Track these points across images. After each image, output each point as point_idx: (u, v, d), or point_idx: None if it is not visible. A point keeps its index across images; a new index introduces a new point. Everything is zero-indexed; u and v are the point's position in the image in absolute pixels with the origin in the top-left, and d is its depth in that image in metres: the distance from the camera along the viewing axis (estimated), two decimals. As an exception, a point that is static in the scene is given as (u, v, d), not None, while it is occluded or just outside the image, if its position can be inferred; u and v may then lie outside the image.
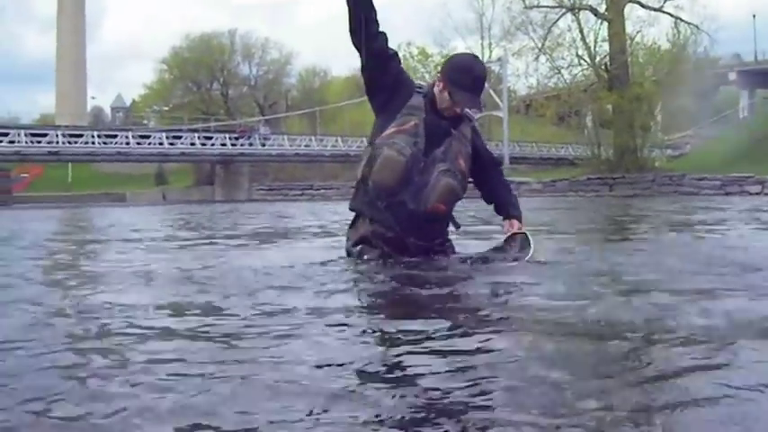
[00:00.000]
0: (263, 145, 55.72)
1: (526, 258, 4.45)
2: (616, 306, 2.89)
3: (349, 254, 4.57)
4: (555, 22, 47.15)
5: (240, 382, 1.85)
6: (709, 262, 4.39)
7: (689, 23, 45.45)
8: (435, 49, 61.06)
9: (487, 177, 4.87)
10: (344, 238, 4.71)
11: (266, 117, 68.66)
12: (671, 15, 45.75)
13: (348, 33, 4.24)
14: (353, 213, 4.60)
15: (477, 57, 4.89)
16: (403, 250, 4.38)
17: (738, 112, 65.04)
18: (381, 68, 4.35)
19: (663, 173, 41.69)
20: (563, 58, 47.39)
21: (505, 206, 4.84)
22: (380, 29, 4.30)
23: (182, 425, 1.56)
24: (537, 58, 48.20)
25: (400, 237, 4.37)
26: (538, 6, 47.30)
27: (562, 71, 47.44)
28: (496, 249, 4.68)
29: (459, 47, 60.02)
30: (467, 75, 4.42)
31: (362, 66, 4.36)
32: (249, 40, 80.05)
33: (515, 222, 4.72)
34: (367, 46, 4.24)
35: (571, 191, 40.76)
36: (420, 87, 4.53)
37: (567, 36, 47.19)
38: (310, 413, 1.62)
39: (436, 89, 4.43)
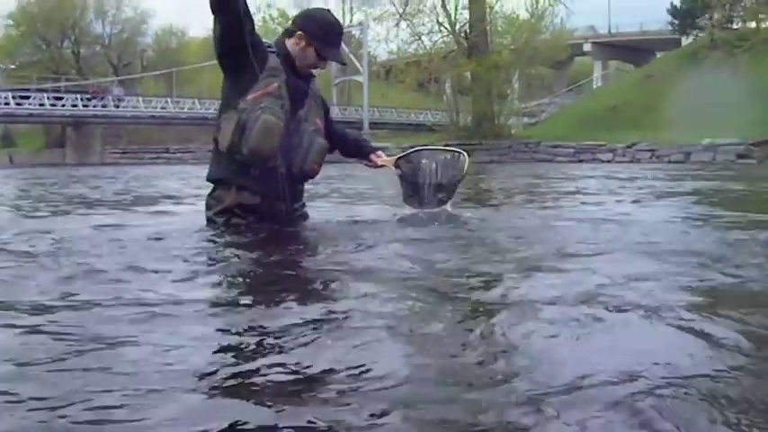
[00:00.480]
0: (117, 106, 53.61)
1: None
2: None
3: (211, 221, 4.28)
4: (416, -12, 47.22)
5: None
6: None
7: (547, -7, 46.31)
8: (295, 11, 60.35)
9: (335, 133, 4.80)
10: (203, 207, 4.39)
11: (120, 77, 66.23)
12: (530, -16, 46.46)
13: None
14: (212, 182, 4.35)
15: (330, 10, 4.71)
16: (269, 218, 4.22)
17: (592, 82, 66.90)
18: (240, 29, 3.92)
19: (519, 140, 42.47)
20: (423, 25, 47.73)
21: (357, 142, 5.08)
22: None
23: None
24: (398, 24, 48.42)
25: (269, 203, 4.21)
26: (400, -29, 47.27)
27: (422, 38, 47.81)
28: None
29: (321, 10, 59.14)
30: (332, 30, 4.38)
31: (219, 26, 3.97)
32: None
33: (380, 153, 4.90)
34: (223, 5, 3.85)
35: (429, 157, 40.98)
36: (269, 46, 4.27)
37: (428, 2, 47.47)
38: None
39: (295, 47, 4.28)
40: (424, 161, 4.81)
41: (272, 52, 4.21)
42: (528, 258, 3.16)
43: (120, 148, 56.88)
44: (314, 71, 4.49)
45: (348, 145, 4.97)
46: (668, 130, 35.72)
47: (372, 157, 4.85)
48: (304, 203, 4.65)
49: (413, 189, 4.81)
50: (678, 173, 17.17)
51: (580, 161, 35.03)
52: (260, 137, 4.03)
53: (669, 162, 32.25)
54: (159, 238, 3.99)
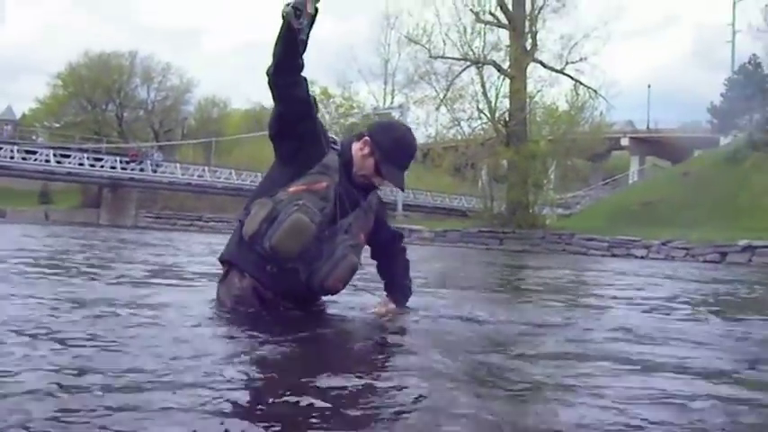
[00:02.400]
0: (155, 171, 54.40)
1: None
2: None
3: (221, 303, 4.07)
4: (458, 75, 47.75)
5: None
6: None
7: (588, 87, 46.66)
8: (337, 90, 61.27)
9: (385, 251, 4.50)
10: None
11: (160, 143, 67.29)
12: (571, 78, 46.86)
13: (271, 71, 3.62)
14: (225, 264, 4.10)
15: (411, 131, 4.28)
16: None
17: (629, 177, 66.78)
18: (299, 115, 3.76)
19: (553, 231, 42.22)
20: (463, 111, 47.94)
21: (395, 288, 4.48)
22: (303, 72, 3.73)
23: None
24: (438, 108, 48.70)
25: (279, 302, 3.96)
26: (443, 57, 47.81)
27: (462, 123, 48.00)
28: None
29: (362, 90, 60.03)
30: (403, 152, 4.04)
31: (281, 110, 3.76)
32: (150, 64, 78.47)
33: (391, 305, 4.34)
34: (290, 90, 3.66)
35: (461, 242, 40.83)
36: (335, 143, 4.05)
37: (470, 89, 47.83)
38: None
39: (358, 152, 3.99)
40: None
41: (333, 149, 3.99)
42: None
43: (154, 213, 57.28)
44: (374, 183, 4.12)
45: (384, 275, 4.53)
46: (704, 229, 35.44)
47: (379, 304, 4.37)
48: (323, 303, 4.36)
49: None
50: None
51: (613, 255, 34.70)
52: (286, 235, 3.74)
53: (704, 261, 31.80)
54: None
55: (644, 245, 36.12)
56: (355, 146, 4.02)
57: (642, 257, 33.95)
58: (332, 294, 4.11)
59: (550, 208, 49.10)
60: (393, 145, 3.97)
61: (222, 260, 4.09)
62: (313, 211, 3.78)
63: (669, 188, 48.22)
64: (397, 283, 4.49)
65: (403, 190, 4.15)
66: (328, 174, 3.88)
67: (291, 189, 3.80)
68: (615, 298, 7.61)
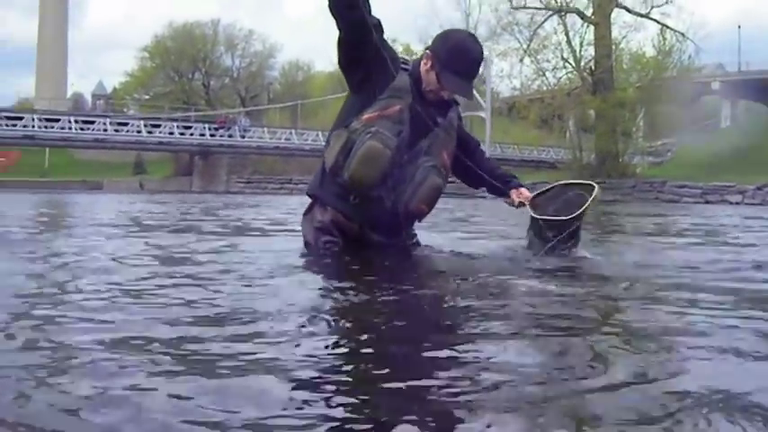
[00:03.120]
0: (243, 137, 55.03)
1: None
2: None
3: (308, 245, 4.08)
4: (541, 24, 47.35)
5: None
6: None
7: (675, 31, 45.75)
8: (420, 47, 60.98)
9: (473, 162, 4.26)
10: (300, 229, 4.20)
11: (247, 109, 68.08)
12: (657, 22, 45.95)
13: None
14: (310, 197, 4.13)
15: (474, 36, 4.15)
16: (365, 244, 3.97)
17: (720, 122, 65.12)
18: (363, 39, 3.64)
19: (644, 179, 41.65)
20: (548, 61, 47.56)
21: (503, 177, 4.34)
22: None
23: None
24: (522, 60, 48.35)
25: (367, 234, 3.96)
26: (524, 8, 47.42)
27: (546, 74, 47.60)
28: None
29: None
30: (462, 58, 3.87)
31: (342, 30, 3.66)
32: (233, 31, 79.33)
33: (523, 190, 4.27)
34: (346, 12, 3.56)
35: (552, 194, 40.46)
36: (406, 63, 3.94)
37: (553, 39, 47.45)
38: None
39: (423, 67, 3.88)
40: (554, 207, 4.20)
41: (404, 69, 3.87)
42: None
43: (244, 178, 58.02)
44: (444, 97, 3.98)
45: (480, 181, 4.32)
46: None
47: (513, 193, 4.25)
48: (415, 235, 4.31)
49: (541, 233, 4.13)
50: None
51: (707, 202, 34.07)
52: (361, 164, 3.70)
53: (802, 205, 31.03)
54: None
55: (738, 190, 35.43)
56: (422, 63, 3.90)
57: (737, 203, 33.26)
58: (418, 219, 4.09)
59: (640, 156, 48.35)
60: (451, 53, 3.84)
61: (309, 193, 4.11)
62: (387, 137, 3.71)
63: (763, 133, 46.97)
64: (501, 173, 4.39)
65: (470, 98, 4.09)
66: (401, 96, 3.78)
67: (365, 117, 3.74)
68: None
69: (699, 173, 40.11)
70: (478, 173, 4.25)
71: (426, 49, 4.01)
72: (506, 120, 56.27)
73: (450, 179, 4.13)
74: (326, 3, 3.59)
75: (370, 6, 3.61)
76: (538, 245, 4.12)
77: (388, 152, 3.71)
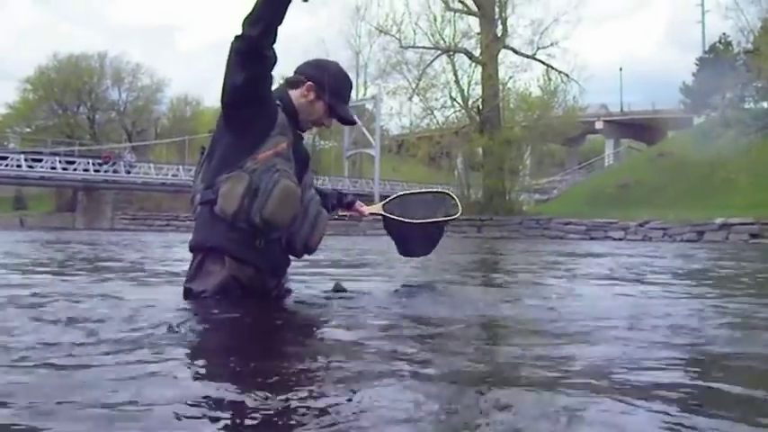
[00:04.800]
0: (129, 172, 53.86)
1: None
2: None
3: (192, 294, 3.62)
4: (430, 64, 47.94)
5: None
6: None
7: (560, 72, 46.92)
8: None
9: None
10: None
11: (133, 144, 66.70)
12: (543, 63, 47.12)
13: (255, 33, 3.30)
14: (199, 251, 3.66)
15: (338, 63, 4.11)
16: (259, 294, 3.69)
17: (604, 160, 66.98)
18: (266, 81, 3.51)
19: (530, 216, 42.28)
20: (436, 99, 48.15)
21: (337, 194, 4.58)
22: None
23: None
24: (411, 98, 48.81)
25: (262, 279, 3.70)
26: (414, 47, 47.97)
27: (435, 112, 48.17)
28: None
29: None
30: (346, 85, 3.94)
31: (246, 74, 3.37)
32: (120, 65, 77.56)
33: (360, 204, 4.54)
34: (270, 53, 3.40)
35: (440, 231, 40.53)
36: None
37: (442, 78, 48.15)
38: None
39: (302, 99, 3.78)
40: (412, 202, 4.60)
41: (277, 106, 3.71)
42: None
43: (130, 214, 56.83)
44: (326, 125, 4.05)
45: (327, 199, 4.34)
46: (680, 209, 35.59)
47: (357, 206, 4.49)
48: (287, 278, 4.13)
49: (403, 234, 4.53)
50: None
51: (591, 239, 34.74)
52: (279, 204, 3.51)
53: (682, 241, 31.90)
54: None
55: (621, 227, 36.24)
56: (295, 94, 3.79)
57: (620, 239, 34.02)
58: (310, 253, 3.96)
59: (527, 194, 49.29)
60: (336, 82, 3.83)
61: (197, 248, 3.68)
62: (291, 174, 3.59)
63: (645, 170, 48.44)
64: (336, 193, 4.60)
65: (355, 123, 4.21)
66: (285, 134, 3.64)
67: (261, 156, 3.53)
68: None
69: (583, 209, 40.99)
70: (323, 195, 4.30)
71: (299, 81, 3.82)
72: (396, 157, 56.65)
73: None
74: (244, 43, 3.34)
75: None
76: (409, 247, 4.65)
77: (298, 190, 3.63)
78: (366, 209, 4.47)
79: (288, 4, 3.29)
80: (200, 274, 3.62)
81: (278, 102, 3.71)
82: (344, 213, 4.58)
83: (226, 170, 3.55)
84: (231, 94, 3.48)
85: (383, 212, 4.48)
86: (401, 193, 4.83)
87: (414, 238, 4.48)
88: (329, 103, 3.79)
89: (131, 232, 37.92)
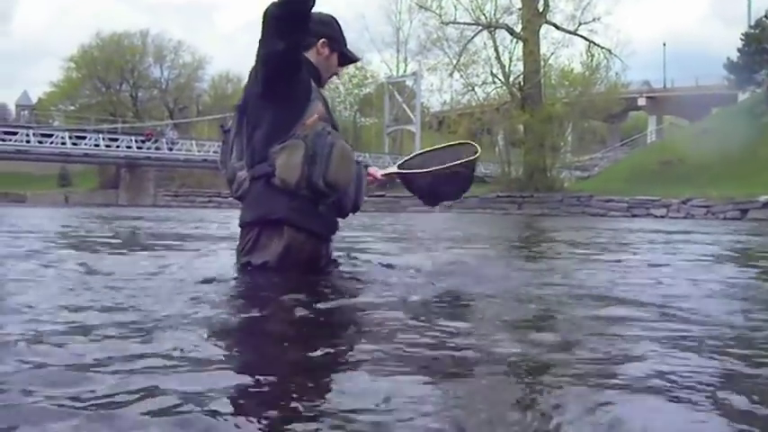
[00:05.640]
0: (171, 149, 54.20)
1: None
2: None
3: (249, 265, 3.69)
4: (470, 40, 47.62)
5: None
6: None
7: (602, 47, 46.49)
8: (353, 57, 60.86)
9: None
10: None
11: (175, 121, 67.07)
12: (585, 39, 46.67)
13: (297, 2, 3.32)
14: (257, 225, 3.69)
15: None
16: (314, 262, 3.75)
17: (647, 137, 66.28)
18: (300, 50, 3.54)
19: (571, 193, 42.07)
20: (477, 76, 47.89)
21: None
22: None
23: None
24: (451, 75, 48.69)
25: (317, 244, 3.75)
26: (454, 23, 47.66)
27: (476, 88, 47.90)
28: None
29: (375, 59, 59.47)
30: (341, 30, 4.02)
31: (284, 43, 3.35)
32: (162, 42, 78.03)
33: (373, 169, 4.39)
34: (306, 22, 3.43)
35: (480, 207, 40.55)
36: None
37: (483, 54, 47.83)
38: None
39: (319, 57, 3.84)
40: (428, 157, 4.49)
41: None
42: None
43: (172, 191, 57.28)
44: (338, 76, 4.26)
45: None
46: (724, 187, 35.19)
47: (370, 170, 4.30)
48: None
49: (423, 185, 4.34)
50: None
51: (633, 216, 34.53)
52: (340, 165, 3.57)
53: (725, 219, 31.58)
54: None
55: (663, 204, 35.94)
56: (311, 54, 3.80)
57: (662, 217, 33.77)
58: (341, 190, 3.71)
59: (568, 171, 49.00)
60: (340, 31, 3.97)
61: (256, 221, 3.68)
62: (340, 135, 3.70)
63: (687, 147, 47.82)
64: None
65: (360, 59, 4.19)
66: (319, 97, 3.74)
67: (309, 121, 3.58)
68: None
69: (625, 187, 40.67)
70: None
71: (311, 42, 3.80)
72: (436, 134, 56.35)
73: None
74: (279, 13, 3.33)
75: None
76: (432, 198, 4.49)
77: (353, 151, 3.76)
78: (379, 172, 4.39)
79: None
80: (257, 247, 3.65)
81: None
82: None
83: (276, 141, 3.56)
84: (272, 63, 3.47)
85: (398, 171, 4.39)
86: (418, 152, 4.77)
87: (436, 186, 4.31)
88: (342, 53, 3.94)
89: (174, 208, 38.24)
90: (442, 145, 4.62)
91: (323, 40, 3.83)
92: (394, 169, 4.44)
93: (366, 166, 4.30)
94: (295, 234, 3.62)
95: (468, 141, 4.51)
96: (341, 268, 4.04)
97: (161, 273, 4.07)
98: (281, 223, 3.61)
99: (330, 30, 3.89)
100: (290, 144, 3.55)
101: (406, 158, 4.55)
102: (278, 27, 3.36)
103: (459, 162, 4.20)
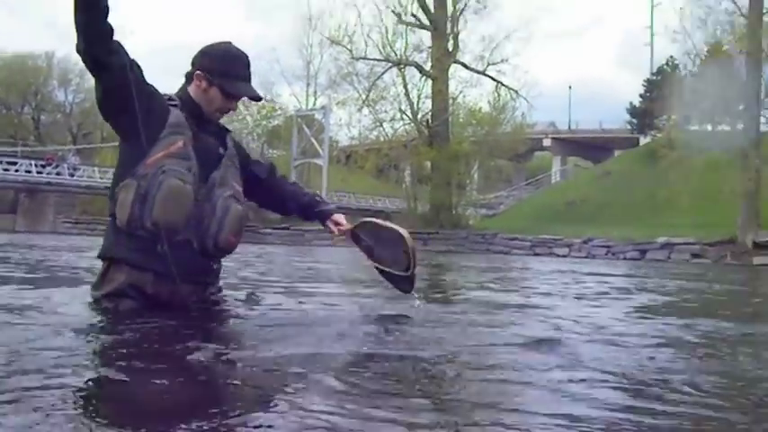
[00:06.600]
0: (72, 175, 52.97)
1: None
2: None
3: (96, 302, 3.62)
4: (380, 76, 47.89)
5: None
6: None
7: (509, 88, 47.21)
8: (261, 91, 60.48)
9: (271, 186, 4.18)
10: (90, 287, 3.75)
11: (78, 146, 65.64)
12: (493, 79, 47.38)
13: (82, 45, 3.31)
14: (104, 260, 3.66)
15: (230, 42, 3.90)
16: (165, 304, 3.53)
17: (551, 177, 67.57)
18: (125, 83, 3.35)
19: (476, 231, 42.37)
20: (386, 112, 48.18)
21: (312, 204, 4.23)
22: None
23: None
24: (360, 110, 48.76)
25: (173, 288, 3.50)
26: (365, 58, 47.81)
27: (384, 124, 48.18)
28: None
29: (285, 92, 59.14)
30: (237, 62, 3.73)
31: (102, 85, 3.41)
32: (67, 65, 76.14)
33: (340, 216, 4.14)
34: (109, 59, 3.31)
35: (386, 243, 40.35)
36: (171, 99, 3.67)
37: (392, 90, 48.17)
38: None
39: (197, 90, 3.68)
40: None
41: (173, 105, 3.61)
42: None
43: (72, 218, 55.84)
44: (225, 115, 3.90)
45: (285, 206, 4.28)
46: (624, 228, 35.99)
47: (329, 224, 4.11)
48: (221, 288, 4.00)
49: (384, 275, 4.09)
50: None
51: (536, 254, 34.94)
52: (165, 204, 3.42)
53: (624, 259, 32.24)
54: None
55: (566, 243, 36.49)
56: (191, 88, 3.71)
57: (564, 256, 34.22)
58: (228, 252, 3.78)
59: (474, 208, 49.48)
60: (225, 61, 3.70)
61: (101, 256, 3.66)
62: (182, 173, 3.48)
63: (590, 187, 48.93)
64: (309, 198, 4.27)
65: (259, 99, 3.91)
66: (180, 132, 3.56)
67: (150, 160, 3.46)
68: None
69: (529, 225, 41.25)
70: (282, 196, 4.21)
71: (192, 74, 3.73)
72: (344, 168, 56.50)
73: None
74: (81, 57, 3.36)
75: (124, 47, 3.40)
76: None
77: (188, 187, 3.50)
78: (339, 229, 4.11)
79: (94, 3, 3.19)
80: (104, 282, 3.63)
81: (172, 100, 3.65)
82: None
83: (122, 179, 3.52)
84: (100, 107, 3.51)
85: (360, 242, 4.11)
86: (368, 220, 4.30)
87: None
88: (220, 86, 3.66)
89: (73, 236, 37.24)
90: (376, 221, 4.25)
91: (198, 72, 3.68)
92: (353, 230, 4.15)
93: (328, 213, 4.15)
94: (138, 274, 3.54)
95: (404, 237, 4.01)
96: (221, 309, 3.85)
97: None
98: (121, 262, 3.57)
99: (208, 61, 3.69)
100: (126, 184, 3.49)
101: (355, 225, 4.20)
102: (91, 70, 3.39)
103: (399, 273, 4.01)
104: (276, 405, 1.99)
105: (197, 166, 3.55)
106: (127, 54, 3.39)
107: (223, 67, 3.66)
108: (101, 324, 3.27)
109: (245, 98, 3.82)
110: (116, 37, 3.32)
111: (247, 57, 3.81)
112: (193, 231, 3.56)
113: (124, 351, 2.70)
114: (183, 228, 3.51)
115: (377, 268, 4.12)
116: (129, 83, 3.35)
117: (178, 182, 3.46)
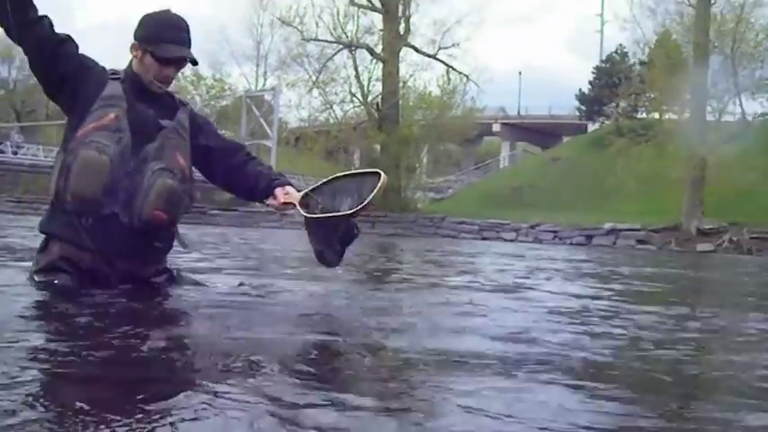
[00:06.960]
0: (15, 153, 52.05)
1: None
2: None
3: (31, 279, 3.56)
4: (331, 58, 47.75)
5: None
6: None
7: (460, 72, 47.20)
8: (209, 72, 59.95)
9: (232, 165, 3.87)
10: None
11: (22, 124, 64.48)
12: (443, 63, 47.38)
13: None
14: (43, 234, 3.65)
15: (169, 9, 3.76)
16: (103, 280, 3.45)
17: (500, 162, 67.85)
18: (55, 58, 3.41)
19: (424, 215, 42.44)
20: (336, 94, 48.02)
21: (267, 177, 3.83)
22: (40, 13, 3.39)
23: None
24: (310, 91, 48.51)
25: (106, 263, 3.45)
26: (315, 40, 47.58)
27: (334, 107, 48.07)
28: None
29: (234, 72, 58.55)
30: (169, 28, 3.61)
31: (31, 61, 3.51)
32: (11, 41, 75.03)
33: (290, 189, 3.74)
34: (29, 30, 3.34)
35: (333, 226, 40.25)
36: (115, 73, 3.62)
37: (342, 72, 47.98)
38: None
39: (136, 63, 3.60)
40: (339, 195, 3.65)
41: (114, 79, 3.56)
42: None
43: (15, 197, 54.92)
44: (181, 98, 3.84)
45: (245, 184, 3.90)
46: (571, 213, 36.30)
47: (277, 192, 3.74)
48: (169, 269, 3.85)
49: (325, 235, 3.58)
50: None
51: (484, 239, 35.07)
52: (79, 177, 3.37)
53: (571, 244, 32.51)
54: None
55: (513, 228, 36.74)
56: (134, 61, 3.62)
57: (511, 240, 34.41)
58: (158, 228, 3.55)
59: (422, 192, 49.57)
60: (156, 28, 3.58)
61: (41, 231, 3.65)
62: (103, 144, 3.40)
63: (539, 173, 49.28)
64: (266, 173, 3.89)
65: (195, 63, 3.67)
66: (114, 104, 3.49)
67: (79, 133, 3.42)
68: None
69: (477, 209, 41.44)
70: (238, 176, 3.88)
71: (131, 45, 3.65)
72: (293, 150, 56.16)
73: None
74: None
75: (51, 21, 3.45)
76: (327, 253, 3.62)
77: (104, 158, 3.39)
78: (286, 198, 3.73)
79: None
80: (40, 257, 3.62)
81: (116, 74, 3.62)
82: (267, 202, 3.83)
83: (58, 154, 3.59)
84: (40, 79, 3.60)
85: (300, 207, 3.66)
86: (331, 177, 3.84)
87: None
88: (152, 52, 3.54)
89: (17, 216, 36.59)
90: (349, 172, 3.92)
91: (133, 42, 3.61)
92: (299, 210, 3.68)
93: (281, 183, 3.78)
94: (70, 248, 3.51)
95: (375, 171, 3.69)
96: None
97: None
98: (56, 237, 3.56)
99: (142, 31, 3.59)
100: (57, 158, 3.56)
101: (310, 188, 3.79)
102: (15, 36, 3.41)
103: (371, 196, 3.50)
104: (195, 393, 1.87)
105: (129, 138, 3.45)
106: (52, 28, 3.41)
107: (155, 34, 3.56)
108: (32, 304, 3.14)
109: (190, 73, 3.70)
110: (61, 11, 3.21)
111: (185, 21, 3.67)
112: (121, 205, 3.44)
113: (49, 333, 2.58)
114: (103, 200, 3.40)
115: (314, 223, 3.63)
116: (60, 54, 3.42)
117: (93, 153, 3.38)
